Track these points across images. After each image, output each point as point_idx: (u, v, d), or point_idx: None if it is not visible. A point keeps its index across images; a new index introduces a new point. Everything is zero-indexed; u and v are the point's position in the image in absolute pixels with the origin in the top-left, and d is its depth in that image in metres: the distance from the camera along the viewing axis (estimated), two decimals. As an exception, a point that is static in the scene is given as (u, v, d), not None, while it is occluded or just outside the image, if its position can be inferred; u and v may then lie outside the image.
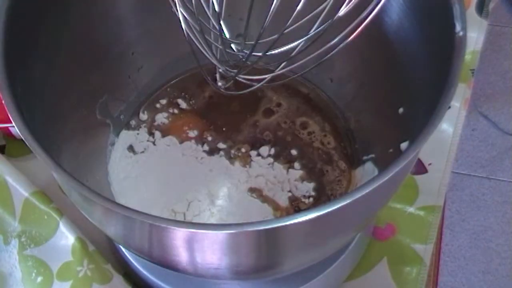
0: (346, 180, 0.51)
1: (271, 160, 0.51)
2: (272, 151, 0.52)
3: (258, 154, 0.52)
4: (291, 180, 0.50)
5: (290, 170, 0.51)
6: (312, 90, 0.56)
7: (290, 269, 0.41)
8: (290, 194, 0.50)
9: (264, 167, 0.51)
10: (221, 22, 0.39)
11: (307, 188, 0.50)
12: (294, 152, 0.52)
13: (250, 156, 0.52)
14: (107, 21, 0.50)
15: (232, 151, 0.52)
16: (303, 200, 0.50)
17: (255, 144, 0.52)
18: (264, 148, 0.52)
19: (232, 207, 0.48)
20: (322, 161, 0.52)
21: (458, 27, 0.37)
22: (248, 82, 0.42)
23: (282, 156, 0.52)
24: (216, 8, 0.36)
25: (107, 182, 0.51)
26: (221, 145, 0.52)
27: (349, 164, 0.51)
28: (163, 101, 0.56)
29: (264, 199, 0.49)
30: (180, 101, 0.56)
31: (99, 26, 0.49)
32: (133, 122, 0.54)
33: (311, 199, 0.50)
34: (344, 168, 0.51)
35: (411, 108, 0.44)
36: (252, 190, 0.50)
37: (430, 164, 0.56)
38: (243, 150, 0.52)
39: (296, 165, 0.51)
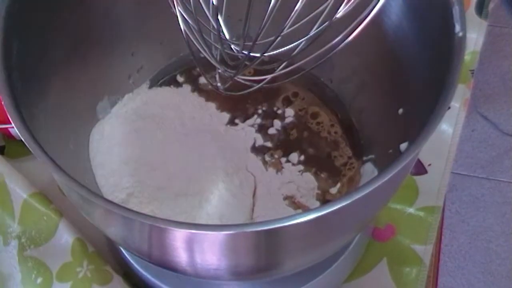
0: (355, 169, 0.50)
1: (301, 167, 0.51)
2: (302, 158, 0.51)
3: (288, 161, 0.51)
4: (320, 186, 0.50)
5: (318, 176, 0.50)
6: (312, 89, 0.56)
7: (290, 269, 0.41)
8: (321, 198, 0.49)
9: (295, 174, 0.50)
10: (221, 22, 0.39)
11: (335, 191, 0.50)
12: (311, 150, 0.52)
13: (281, 163, 0.51)
14: (107, 21, 0.50)
15: (266, 157, 0.51)
16: None
17: (286, 148, 0.52)
18: (294, 155, 0.51)
19: (270, 213, 0.48)
20: (330, 148, 0.51)
21: (457, 28, 0.37)
22: (248, 83, 0.41)
23: (309, 161, 0.51)
24: (215, 2, 0.36)
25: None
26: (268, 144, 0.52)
27: (356, 153, 0.51)
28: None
29: (297, 205, 0.49)
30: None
31: (99, 26, 0.49)
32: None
33: None
34: (350, 155, 0.51)
35: (411, 109, 0.44)
36: (284, 197, 0.49)
37: (429, 164, 0.56)
38: (276, 156, 0.51)
39: (320, 170, 0.51)
